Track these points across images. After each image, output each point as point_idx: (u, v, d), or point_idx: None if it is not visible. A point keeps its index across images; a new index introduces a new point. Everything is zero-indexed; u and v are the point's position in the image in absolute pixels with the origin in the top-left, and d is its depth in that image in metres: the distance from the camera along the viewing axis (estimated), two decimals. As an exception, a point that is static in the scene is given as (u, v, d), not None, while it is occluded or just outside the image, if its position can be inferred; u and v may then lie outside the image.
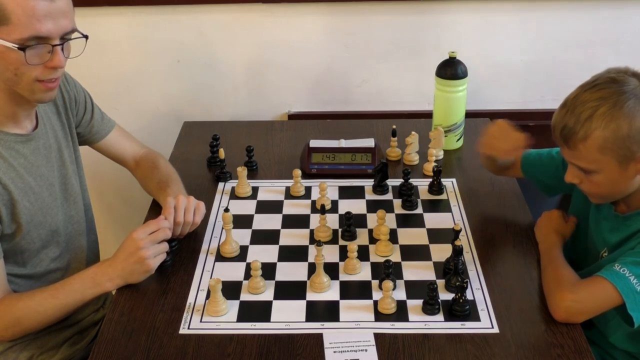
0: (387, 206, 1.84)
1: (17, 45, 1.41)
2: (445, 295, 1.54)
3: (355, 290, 1.58)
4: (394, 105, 2.45)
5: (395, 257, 1.67)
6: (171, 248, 1.65)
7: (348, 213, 1.74)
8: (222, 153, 1.98)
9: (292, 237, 1.75)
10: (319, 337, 1.45)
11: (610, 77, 1.48)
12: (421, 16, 2.31)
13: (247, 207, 1.86)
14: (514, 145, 1.71)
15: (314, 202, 1.87)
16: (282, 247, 1.71)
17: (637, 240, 1.51)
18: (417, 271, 1.63)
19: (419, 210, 1.85)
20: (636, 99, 1.43)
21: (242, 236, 1.74)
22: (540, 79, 2.41)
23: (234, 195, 1.92)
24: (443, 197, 1.90)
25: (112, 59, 2.37)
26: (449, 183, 1.95)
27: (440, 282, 1.58)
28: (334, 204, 1.87)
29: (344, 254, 1.66)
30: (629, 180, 1.49)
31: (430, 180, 1.92)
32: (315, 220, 1.79)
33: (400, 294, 1.55)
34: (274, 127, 2.29)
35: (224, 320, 1.50)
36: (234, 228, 1.69)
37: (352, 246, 1.61)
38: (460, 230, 1.62)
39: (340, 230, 1.76)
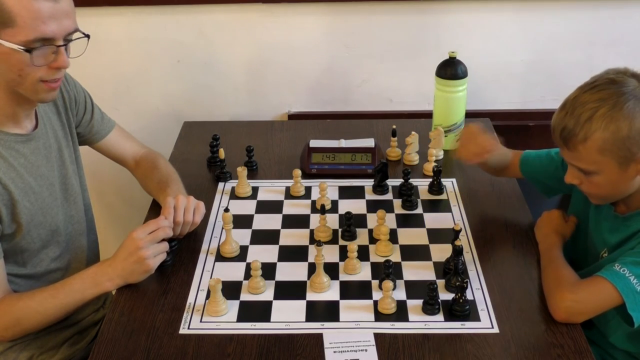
0: (387, 206, 1.84)
1: (23, 48, 1.42)
2: (445, 295, 1.54)
3: (355, 290, 1.58)
4: (394, 105, 2.45)
5: (395, 257, 1.67)
6: (171, 248, 1.65)
7: (348, 213, 1.74)
8: (222, 153, 1.98)
9: (292, 237, 1.75)
10: (319, 337, 1.45)
11: (610, 78, 1.47)
12: (421, 16, 2.31)
13: (247, 207, 1.86)
14: (478, 149, 1.71)
15: (314, 202, 1.87)
16: (282, 247, 1.71)
17: (637, 240, 1.51)
18: (417, 271, 1.63)
19: (419, 210, 1.85)
20: (636, 99, 1.43)
21: (242, 236, 1.74)
22: (540, 79, 2.41)
23: (234, 195, 1.92)
24: (443, 197, 1.90)
25: (112, 59, 2.37)
26: (449, 183, 1.95)
27: (440, 282, 1.58)
28: (334, 204, 1.87)
29: (344, 254, 1.66)
30: (629, 181, 1.49)
31: (430, 180, 1.92)
32: (315, 220, 1.79)
33: (400, 294, 1.55)
34: (274, 127, 2.29)
35: (224, 320, 1.50)
36: (234, 228, 1.69)
37: (352, 246, 1.61)
38: (460, 230, 1.62)
39: (340, 230, 1.76)
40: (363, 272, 1.62)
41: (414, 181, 1.91)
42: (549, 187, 1.79)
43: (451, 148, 2.07)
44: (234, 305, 1.53)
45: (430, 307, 1.50)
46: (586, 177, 1.51)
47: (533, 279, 1.59)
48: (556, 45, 2.35)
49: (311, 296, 1.56)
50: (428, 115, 2.19)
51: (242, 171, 1.91)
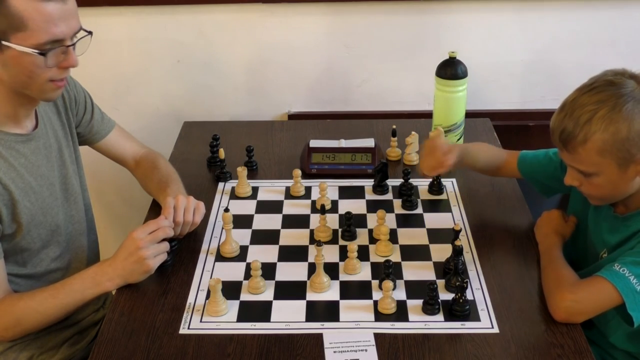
0: (387, 206, 1.84)
1: (37, 51, 1.43)
2: (445, 295, 1.54)
3: (355, 290, 1.58)
4: (394, 105, 2.45)
5: (395, 257, 1.67)
6: (171, 248, 1.65)
7: (348, 213, 1.74)
8: (222, 153, 1.98)
9: (292, 237, 1.75)
10: (319, 337, 1.45)
11: (608, 79, 1.47)
12: (421, 16, 2.31)
13: (247, 207, 1.86)
14: (435, 164, 1.71)
15: (314, 202, 1.87)
16: (282, 247, 1.71)
17: (636, 240, 1.51)
18: (417, 271, 1.63)
19: (419, 210, 1.85)
20: (634, 101, 1.43)
21: (242, 236, 1.74)
22: (540, 79, 2.41)
23: (234, 195, 1.92)
24: (443, 197, 1.90)
25: (112, 59, 2.37)
26: (449, 183, 1.95)
27: (440, 282, 1.58)
28: (334, 204, 1.87)
29: (344, 254, 1.66)
30: (629, 182, 1.49)
31: (430, 180, 1.92)
32: (315, 220, 1.79)
33: (400, 294, 1.55)
34: (274, 127, 2.29)
35: (224, 320, 1.50)
36: (234, 228, 1.69)
37: (352, 246, 1.61)
38: (460, 230, 1.62)
39: (340, 230, 1.76)
40: (363, 272, 1.62)
41: (414, 181, 1.91)
42: (548, 187, 1.79)
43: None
44: (234, 305, 1.53)
45: (430, 307, 1.50)
46: (586, 179, 1.51)
47: (533, 279, 1.59)
48: (556, 45, 2.35)
49: (311, 296, 1.56)
50: (428, 115, 2.19)
51: (242, 171, 1.91)
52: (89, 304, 1.71)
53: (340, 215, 1.81)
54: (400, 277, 1.60)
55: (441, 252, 1.67)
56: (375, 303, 1.53)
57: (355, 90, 2.43)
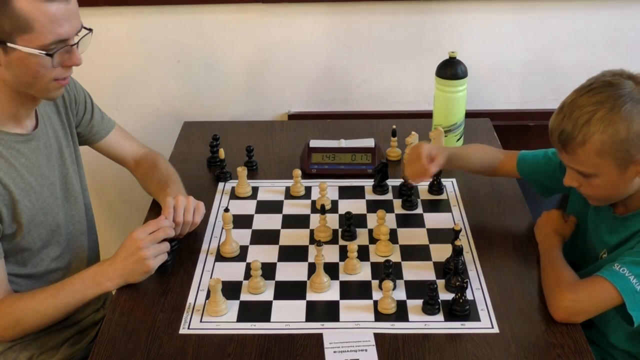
0: (387, 206, 1.84)
1: (43, 52, 1.44)
2: (445, 295, 1.54)
3: (355, 290, 1.58)
4: (394, 105, 2.45)
5: (395, 257, 1.67)
6: (171, 248, 1.65)
7: (348, 213, 1.74)
8: (222, 153, 1.98)
9: (292, 237, 1.75)
10: (319, 337, 1.45)
11: (606, 80, 1.47)
12: (421, 16, 2.31)
13: (247, 207, 1.86)
14: (417, 172, 1.72)
15: (314, 202, 1.87)
16: (282, 247, 1.71)
17: (636, 240, 1.51)
18: (417, 271, 1.63)
19: (419, 210, 1.85)
20: (633, 102, 1.43)
21: (242, 236, 1.74)
22: (540, 79, 2.41)
23: (234, 195, 1.92)
24: (443, 197, 1.90)
25: (112, 59, 2.37)
26: (449, 183, 1.95)
27: (440, 282, 1.58)
28: (334, 204, 1.87)
29: (344, 254, 1.66)
30: (629, 182, 1.49)
31: (430, 180, 1.92)
32: (315, 220, 1.79)
33: (400, 294, 1.55)
34: (274, 127, 2.29)
35: (224, 320, 1.50)
36: (234, 228, 1.69)
37: (352, 246, 1.61)
38: (460, 230, 1.62)
39: (340, 230, 1.76)
40: (363, 272, 1.62)
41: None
42: (547, 188, 1.79)
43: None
44: (234, 305, 1.53)
45: (430, 307, 1.50)
46: (585, 180, 1.51)
47: (533, 279, 1.59)
48: (556, 45, 2.35)
49: (311, 296, 1.56)
50: (428, 115, 2.19)
51: (242, 171, 1.91)
52: (89, 304, 1.71)
53: (340, 215, 1.81)
54: (400, 277, 1.60)
55: (441, 252, 1.67)
56: (375, 303, 1.53)
57: (355, 90, 2.43)
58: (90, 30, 1.54)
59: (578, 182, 1.53)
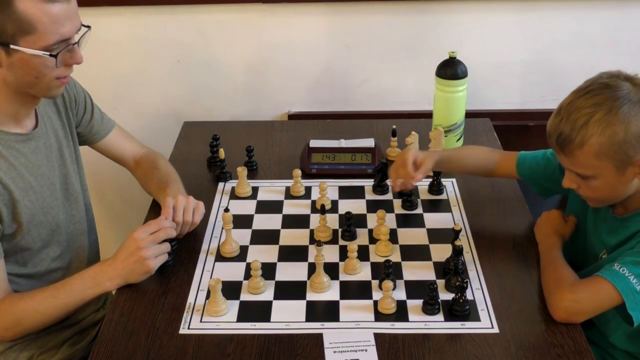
0: (387, 206, 1.84)
1: (47, 53, 1.44)
2: (445, 295, 1.54)
3: (355, 290, 1.58)
4: (394, 105, 2.45)
5: (395, 257, 1.67)
6: (171, 248, 1.65)
7: (348, 213, 1.74)
8: (222, 153, 1.98)
9: (292, 237, 1.75)
10: (319, 337, 1.45)
11: (604, 82, 1.47)
12: (421, 16, 2.31)
13: (247, 207, 1.86)
14: (404, 179, 1.72)
15: (314, 202, 1.87)
16: (282, 247, 1.71)
17: (636, 240, 1.51)
18: (417, 271, 1.63)
19: (419, 210, 1.85)
20: (630, 103, 1.43)
21: (242, 236, 1.74)
22: (540, 79, 2.41)
23: (234, 195, 1.92)
24: (443, 197, 1.90)
25: (112, 59, 2.37)
26: (449, 183, 1.95)
27: (440, 282, 1.58)
28: (334, 204, 1.87)
29: (344, 254, 1.66)
30: (627, 184, 1.49)
31: (430, 180, 1.92)
32: (315, 220, 1.79)
33: (400, 294, 1.55)
34: (274, 127, 2.29)
35: (224, 320, 1.50)
36: (234, 228, 1.69)
37: (352, 246, 1.61)
38: (460, 230, 1.62)
39: (340, 230, 1.76)
40: (363, 272, 1.62)
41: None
42: (546, 188, 1.78)
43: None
44: (234, 305, 1.53)
45: (430, 307, 1.50)
46: (584, 182, 1.51)
47: (533, 279, 1.59)
48: (556, 45, 2.35)
49: (311, 296, 1.56)
50: (428, 115, 2.19)
51: (242, 171, 1.91)
52: (90, 304, 1.71)
53: (340, 215, 1.82)
54: (400, 277, 1.60)
55: (441, 252, 1.67)
56: (375, 303, 1.53)
57: (355, 90, 2.43)
58: (88, 27, 1.55)
59: (577, 184, 1.54)
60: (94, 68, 2.26)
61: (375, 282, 1.59)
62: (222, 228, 1.71)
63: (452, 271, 1.58)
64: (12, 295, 1.56)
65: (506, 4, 2.31)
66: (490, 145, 2.06)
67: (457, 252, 1.55)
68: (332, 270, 1.61)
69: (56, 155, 1.68)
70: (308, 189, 1.93)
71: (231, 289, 1.56)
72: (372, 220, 1.79)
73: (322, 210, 1.73)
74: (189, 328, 1.48)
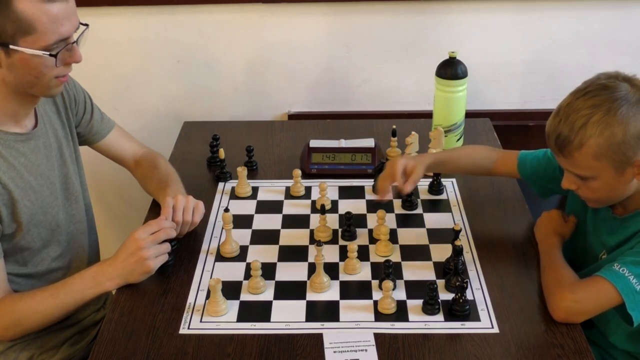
0: (387, 206, 1.83)
1: (47, 53, 1.45)
2: (445, 295, 1.54)
3: (355, 290, 1.58)
4: (394, 105, 2.45)
5: (395, 257, 1.67)
6: (171, 248, 1.65)
7: (348, 213, 1.74)
8: (222, 153, 1.98)
9: (292, 237, 1.75)
10: (319, 337, 1.45)
11: (602, 83, 1.47)
12: (421, 16, 2.31)
13: (247, 207, 1.86)
14: (385, 189, 1.70)
15: (314, 202, 1.87)
16: (282, 247, 1.71)
17: (636, 240, 1.51)
18: (417, 271, 1.63)
19: (419, 210, 1.85)
20: (629, 104, 1.43)
21: (242, 236, 1.74)
22: (540, 79, 2.41)
23: (234, 195, 1.92)
24: (443, 197, 1.90)
25: (112, 59, 2.37)
26: (448, 183, 1.95)
27: (440, 282, 1.58)
28: (334, 204, 1.87)
29: (344, 254, 1.66)
30: (626, 184, 1.49)
31: (430, 180, 1.92)
32: (315, 220, 1.79)
33: (400, 294, 1.55)
34: (274, 127, 2.29)
35: (224, 320, 1.50)
36: (234, 228, 1.69)
37: (352, 246, 1.61)
38: (460, 230, 1.62)
39: (340, 230, 1.76)
40: (363, 272, 1.62)
41: (414, 181, 1.91)
42: (547, 189, 1.78)
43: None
44: (234, 305, 1.53)
45: (430, 307, 1.50)
46: (583, 183, 1.51)
47: (533, 279, 1.59)
48: (556, 45, 2.35)
49: (311, 296, 1.56)
50: (428, 115, 2.19)
51: (242, 171, 1.91)
52: (90, 304, 1.71)
53: (340, 215, 1.82)
54: (400, 277, 1.60)
55: (441, 252, 1.67)
56: (375, 303, 1.53)
57: (355, 90, 2.43)
58: (87, 25, 1.55)
59: (576, 185, 1.54)
60: (94, 68, 2.26)
61: (375, 282, 1.59)
62: (222, 228, 1.71)
63: (452, 271, 1.58)
64: (12, 295, 1.56)
65: (506, 4, 2.31)
66: (490, 145, 2.05)
67: (457, 252, 1.55)
68: (332, 270, 1.61)
69: (56, 154, 1.68)
70: (308, 189, 1.93)
71: (231, 289, 1.56)
72: (372, 220, 1.79)
73: (322, 210, 1.73)
74: (189, 328, 1.48)
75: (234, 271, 1.63)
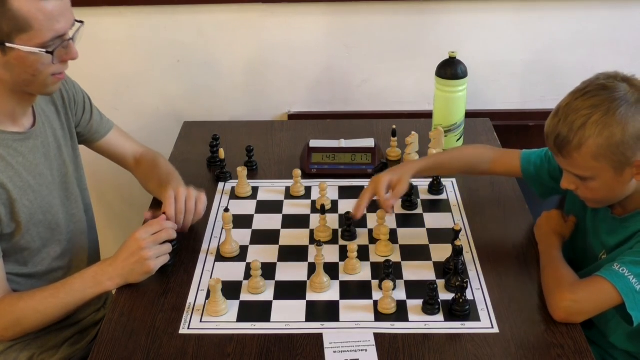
0: (387, 206, 1.84)
1: (44, 50, 1.45)
2: (445, 295, 1.54)
3: (355, 290, 1.58)
4: (394, 105, 2.45)
5: (395, 257, 1.67)
6: (172, 248, 1.65)
7: (348, 213, 1.73)
8: (222, 153, 1.98)
9: (292, 237, 1.75)
10: (319, 337, 1.45)
11: (601, 83, 1.47)
12: (421, 16, 2.31)
13: (247, 207, 1.86)
14: (361, 207, 1.68)
15: (314, 202, 1.87)
16: (282, 247, 1.71)
17: (636, 240, 1.51)
18: (417, 271, 1.63)
19: (419, 210, 1.85)
20: (628, 105, 1.43)
21: (242, 236, 1.74)
22: (540, 79, 2.41)
23: (234, 195, 1.92)
24: (443, 197, 1.90)
25: (112, 59, 2.37)
26: (448, 183, 1.95)
27: (440, 282, 1.58)
28: (334, 204, 1.87)
29: (344, 254, 1.66)
30: (625, 184, 1.49)
31: (430, 180, 1.92)
32: (315, 220, 1.79)
33: (400, 294, 1.55)
34: (274, 127, 2.29)
35: (224, 320, 1.50)
36: (234, 228, 1.69)
37: (352, 246, 1.61)
38: (460, 230, 1.62)
39: (340, 230, 1.76)
40: (363, 272, 1.62)
41: (414, 181, 1.90)
42: (547, 188, 1.78)
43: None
44: (234, 305, 1.53)
45: (430, 307, 1.50)
46: (582, 183, 1.51)
47: (533, 279, 1.59)
48: (556, 45, 2.35)
49: (311, 296, 1.56)
50: (428, 115, 2.19)
51: (242, 171, 1.91)
52: (90, 304, 1.71)
53: (340, 215, 1.82)
54: (400, 277, 1.60)
55: (441, 252, 1.67)
56: (375, 303, 1.53)
57: (355, 90, 2.43)
58: (82, 22, 1.55)
59: (575, 185, 1.54)
60: (94, 68, 2.27)
61: (375, 282, 1.59)
62: (222, 228, 1.71)
63: (452, 271, 1.58)
64: (12, 295, 1.56)
65: (506, 4, 2.31)
66: (490, 145, 2.05)
67: (457, 252, 1.55)
68: (332, 270, 1.61)
69: (55, 154, 1.68)
70: (308, 189, 1.93)
71: (231, 289, 1.56)
72: (372, 220, 1.79)
73: (322, 210, 1.73)
74: (189, 328, 1.48)
75: (234, 271, 1.63)
